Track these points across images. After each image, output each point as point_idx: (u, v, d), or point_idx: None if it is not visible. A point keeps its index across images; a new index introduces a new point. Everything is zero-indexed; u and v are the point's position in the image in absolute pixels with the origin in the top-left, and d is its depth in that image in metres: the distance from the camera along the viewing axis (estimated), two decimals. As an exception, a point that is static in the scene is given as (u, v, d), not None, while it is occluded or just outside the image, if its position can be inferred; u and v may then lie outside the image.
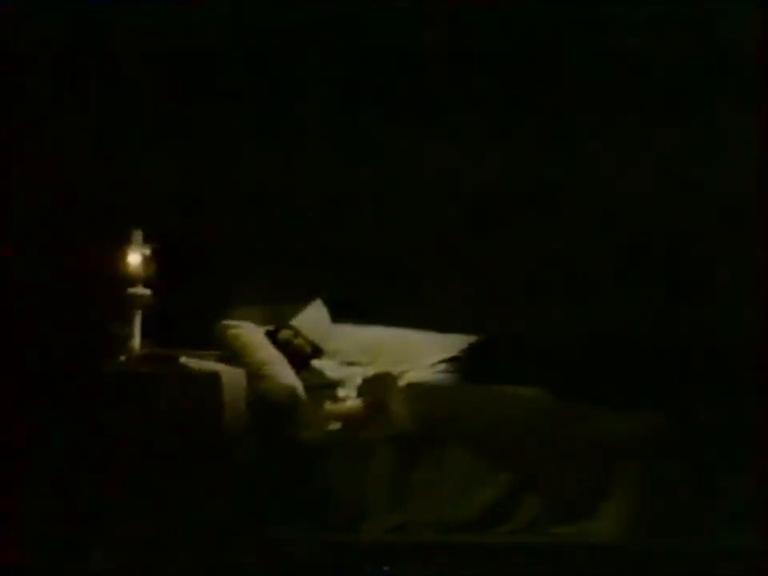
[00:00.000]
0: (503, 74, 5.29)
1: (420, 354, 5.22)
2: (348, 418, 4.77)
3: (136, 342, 4.79)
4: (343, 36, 5.27)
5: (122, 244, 4.86)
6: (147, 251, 4.88)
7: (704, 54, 5.08)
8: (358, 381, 5.06)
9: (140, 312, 4.81)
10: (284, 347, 5.06)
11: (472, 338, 5.26)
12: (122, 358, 4.74)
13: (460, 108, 5.36)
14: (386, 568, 4.25)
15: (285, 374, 4.90)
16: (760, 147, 5.05)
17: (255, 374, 4.83)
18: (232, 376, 4.72)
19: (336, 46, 5.28)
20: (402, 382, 5.04)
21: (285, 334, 5.15)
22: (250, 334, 5.04)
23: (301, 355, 5.11)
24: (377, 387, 4.86)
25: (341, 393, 4.99)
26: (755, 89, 5.04)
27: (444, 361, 5.20)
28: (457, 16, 5.20)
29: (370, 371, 5.12)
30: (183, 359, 4.72)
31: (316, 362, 5.16)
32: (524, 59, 5.24)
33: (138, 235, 4.87)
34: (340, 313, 5.33)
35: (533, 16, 5.21)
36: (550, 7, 5.19)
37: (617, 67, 5.23)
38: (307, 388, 4.89)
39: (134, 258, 4.86)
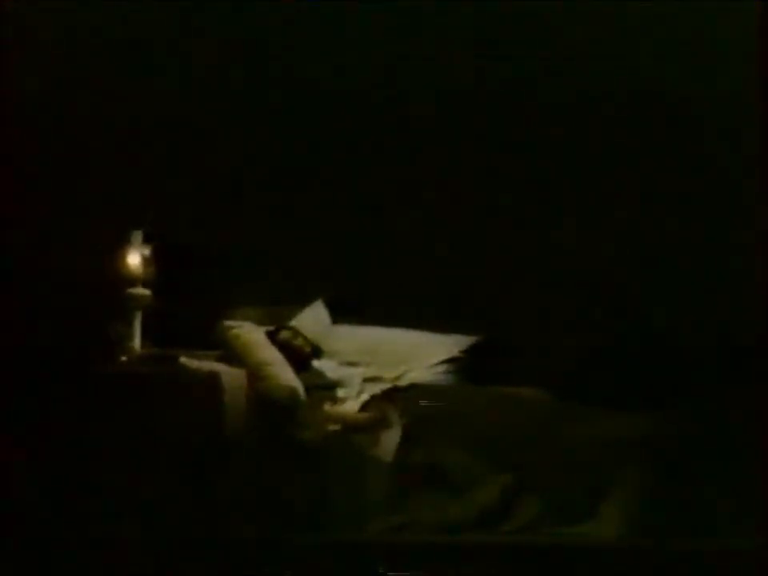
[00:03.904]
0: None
1: (420, 354, 5.22)
2: (347, 426, 4.77)
3: (136, 342, 4.80)
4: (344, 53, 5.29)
5: (121, 244, 4.87)
6: (147, 251, 4.88)
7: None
8: (358, 381, 5.06)
9: (140, 312, 4.81)
10: (284, 347, 5.06)
11: (472, 338, 5.26)
12: (122, 358, 4.75)
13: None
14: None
15: (285, 374, 4.90)
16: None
17: (255, 375, 4.83)
18: (232, 376, 4.72)
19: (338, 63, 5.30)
20: (402, 382, 5.04)
21: (285, 334, 5.15)
22: (251, 334, 5.04)
23: (301, 355, 5.11)
24: (381, 406, 4.84)
25: (341, 393, 4.98)
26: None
27: (444, 361, 5.20)
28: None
29: (370, 371, 5.12)
30: (183, 359, 4.72)
31: (316, 363, 5.16)
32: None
33: (137, 236, 4.88)
34: (340, 313, 5.33)
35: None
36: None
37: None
38: (307, 388, 4.89)
39: (134, 259, 4.86)
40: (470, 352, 5.24)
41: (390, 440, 4.67)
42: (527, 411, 4.75)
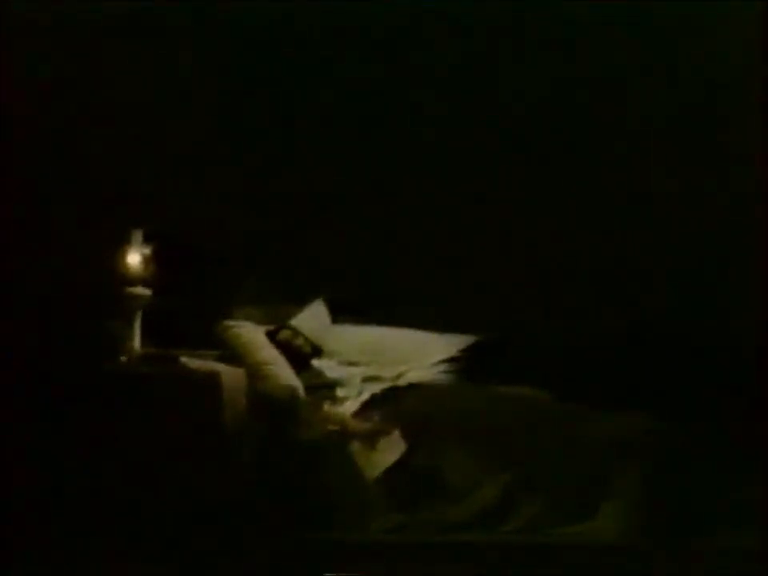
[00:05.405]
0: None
1: (420, 354, 5.22)
2: (347, 432, 4.76)
3: (136, 341, 4.79)
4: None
5: (121, 244, 4.87)
6: (147, 251, 4.88)
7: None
8: (358, 381, 5.06)
9: (140, 312, 4.82)
10: (284, 347, 5.06)
11: (472, 338, 5.26)
12: (122, 358, 4.75)
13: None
14: None
15: (285, 374, 4.90)
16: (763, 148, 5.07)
17: (255, 374, 4.83)
18: (232, 376, 4.72)
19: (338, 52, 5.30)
20: (401, 382, 5.04)
21: (285, 333, 5.15)
22: (251, 333, 5.04)
23: (301, 355, 5.11)
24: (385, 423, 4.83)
25: (340, 393, 4.98)
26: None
27: (444, 361, 5.20)
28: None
29: (370, 371, 5.12)
30: (183, 359, 4.72)
31: (316, 362, 5.16)
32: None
33: (137, 235, 4.88)
34: (340, 313, 5.33)
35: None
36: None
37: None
38: (307, 388, 4.89)
39: (134, 258, 4.86)
40: (469, 352, 5.23)
41: (388, 455, 4.67)
42: (527, 411, 4.75)
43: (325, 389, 5.00)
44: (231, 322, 5.06)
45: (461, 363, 5.20)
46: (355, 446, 4.68)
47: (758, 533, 4.30)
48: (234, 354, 4.94)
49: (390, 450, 4.66)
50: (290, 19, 5.29)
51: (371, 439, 4.69)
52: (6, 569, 4.25)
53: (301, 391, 4.85)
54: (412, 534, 4.52)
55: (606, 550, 4.40)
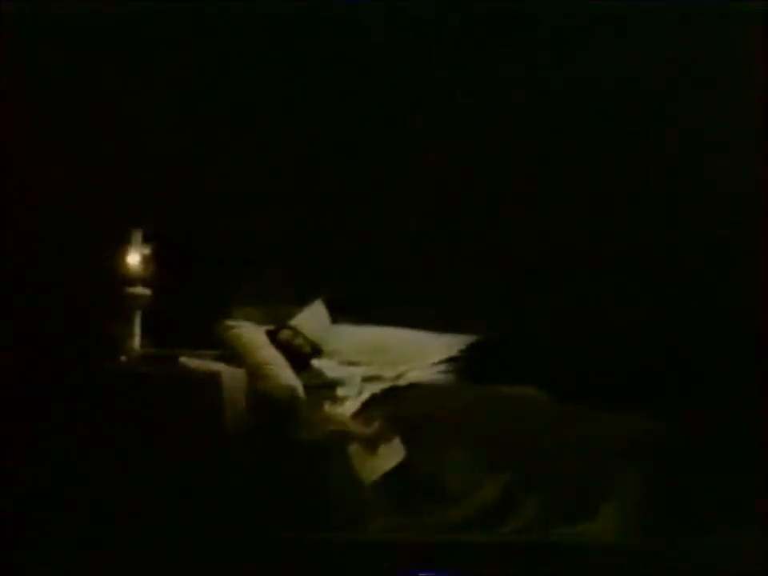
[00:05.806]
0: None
1: (420, 354, 5.22)
2: (348, 434, 4.76)
3: (136, 341, 4.80)
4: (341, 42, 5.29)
5: (121, 244, 4.87)
6: (147, 251, 4.89)
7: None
8: (358, 380, 5.06)
9: (140, 312, 4.82)
10: (284, 347, 5.06)
11: (472, 338, 5.26)
12: (122, 357, 4.75)
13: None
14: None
15: (285, 374, 4.90)
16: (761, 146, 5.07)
17: (255, 374, 4.83)
18: (232, 376, 4.73)
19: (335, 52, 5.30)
20: (401, 382, 5.04)
21: (285, 333, 5.15)
22: (251, 333, 5.04)
23: (301, 355, 5.11)
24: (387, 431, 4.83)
25: (340, 392, 4.99)
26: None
27: (444, 361, 5.20)
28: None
29: (370, 371, 5.12)
30: (183, 359, 4.72)
31: (316, 362, 5.16)
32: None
33: (137, 235, 4.88)
34: (340, 313, 5.33)
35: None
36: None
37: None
38: (307, 388, 4.89)
39: (134, 258, 4.87)
40: (469, 352, 5.24)
41: (387, 460, 4.66)
42: (527, 411, 4.75)
43: (325, 389, 5.00)
44: (231, 322, 5.06)
45: (461, 363, 5.20)
46: (354, 449, 4.68)
47: (757, 533, 4.30)
48: (234, 354, 4.94)
49: (390, 456, 4.66)
50: (290, 18, 5.29)
51: (372, 443, 4.69)
52: (6, 568, 4.25)
53: (301, 391, 4.85)
54: (412, 534, 4.52)
55: (606, 550, 4.40)
